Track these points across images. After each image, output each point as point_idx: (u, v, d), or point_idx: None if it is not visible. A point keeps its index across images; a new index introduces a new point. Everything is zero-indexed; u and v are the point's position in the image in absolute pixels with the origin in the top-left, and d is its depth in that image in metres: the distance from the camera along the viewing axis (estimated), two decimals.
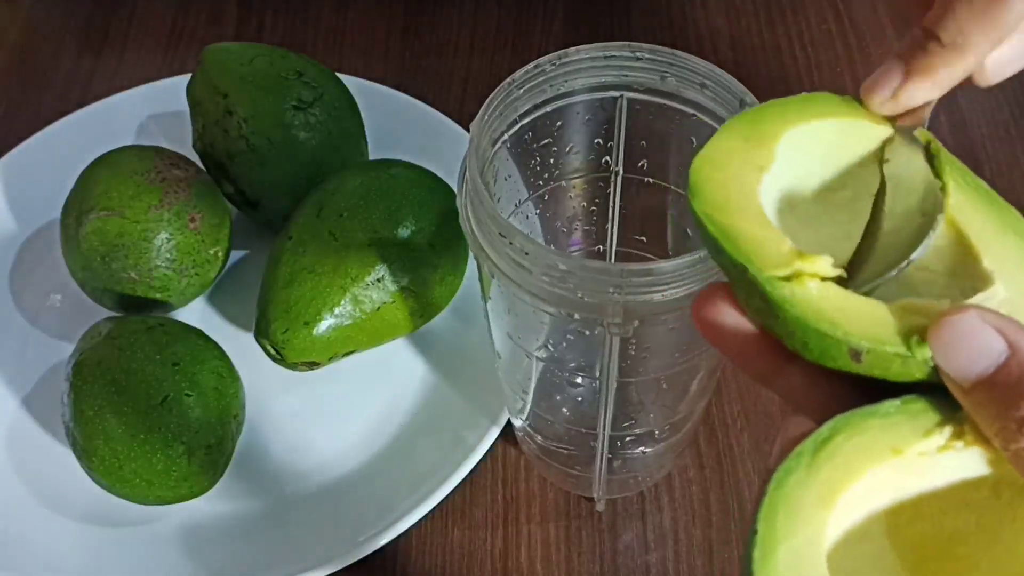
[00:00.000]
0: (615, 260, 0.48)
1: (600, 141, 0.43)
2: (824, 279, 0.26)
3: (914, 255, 0.28)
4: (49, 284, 0.60)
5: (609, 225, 0.46)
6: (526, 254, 0.35)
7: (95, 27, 0.74)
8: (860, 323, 0.25)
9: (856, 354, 0.25)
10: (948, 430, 0.25)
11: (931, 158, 0.30)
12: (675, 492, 0.53)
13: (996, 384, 0.24)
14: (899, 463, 0.25)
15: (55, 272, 0.58)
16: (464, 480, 0.51)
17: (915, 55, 0.32)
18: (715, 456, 0.54)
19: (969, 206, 0.29)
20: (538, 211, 0.45)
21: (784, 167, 0.29)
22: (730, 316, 0.27)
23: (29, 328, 0.58)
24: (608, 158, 0.44)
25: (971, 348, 0.24)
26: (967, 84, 0.33)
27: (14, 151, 0.64)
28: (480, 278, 0.43)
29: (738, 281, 0.27)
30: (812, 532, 0.24)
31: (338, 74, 0.60)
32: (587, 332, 0.41)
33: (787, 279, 0.26)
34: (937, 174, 0.29)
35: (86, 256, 0.53)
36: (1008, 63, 0.33)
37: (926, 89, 0.31)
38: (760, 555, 0.23)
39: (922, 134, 0.30)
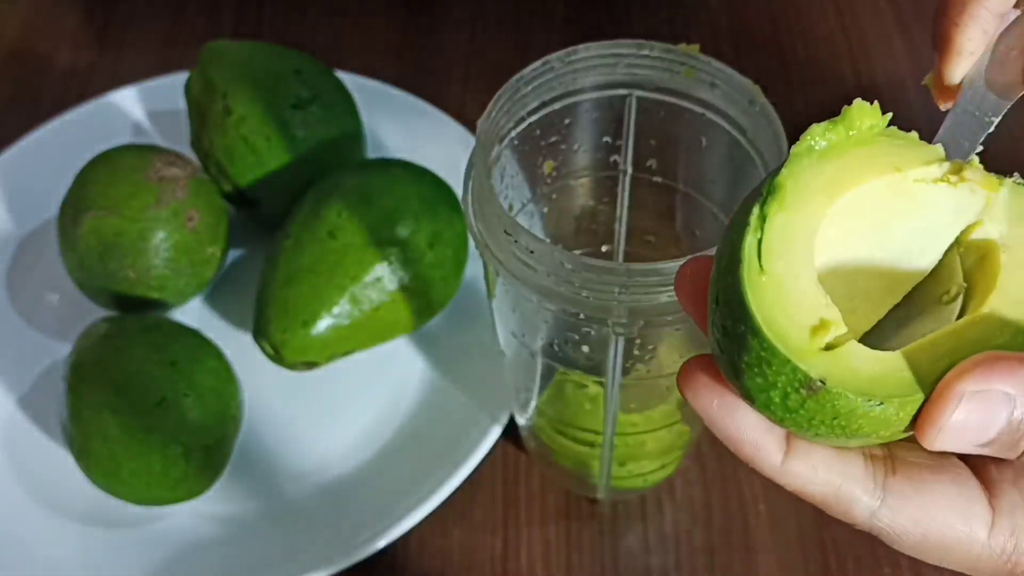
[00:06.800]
0: (623, 261, 0.47)
1: (609, 140, 0.43)
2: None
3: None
4: (46, 283, 0.59)
5: (617, 225, 0.46)
6: (531, 252, 0.35)
7: (93, 25, 0.74)
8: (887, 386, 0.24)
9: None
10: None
11: None
12: (676, 493, 0.52)
13: (994, 442, 0.24)
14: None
15: (52, 271, 0.58)
16: (464, 480, 0.50)
17: None
18: (716, 458, 0.53)
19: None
20: (545, 210, 0.45)
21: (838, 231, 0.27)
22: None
23: (26, 328, 0.58)
24: (617, 157, 0.44)
25: (961, 437, 0.23)
26: None
27: (11, 149, 0.63)
28: (486, 276, 0.42)
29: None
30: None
31: (336, 72, 0.59)
32: (592, 332, 0.40)
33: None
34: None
35: (83, 255, 0.52)
36: None
37: None
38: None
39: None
